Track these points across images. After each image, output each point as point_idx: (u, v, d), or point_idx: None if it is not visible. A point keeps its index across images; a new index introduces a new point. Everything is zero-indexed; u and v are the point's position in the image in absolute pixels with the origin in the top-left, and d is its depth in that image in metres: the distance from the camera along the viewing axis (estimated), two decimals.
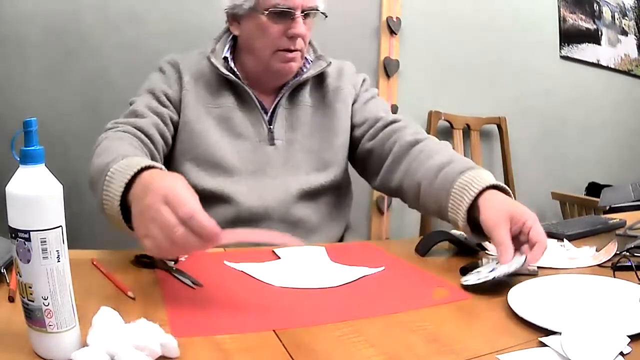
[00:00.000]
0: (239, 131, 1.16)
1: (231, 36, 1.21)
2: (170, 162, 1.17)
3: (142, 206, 0.70)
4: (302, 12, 1.10)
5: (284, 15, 1.09)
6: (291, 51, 1.12)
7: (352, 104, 1.24)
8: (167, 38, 1.87)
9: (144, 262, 0.87)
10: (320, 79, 1.24)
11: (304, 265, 0.90)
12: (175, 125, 1.15)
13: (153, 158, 1.04)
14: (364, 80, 1.29)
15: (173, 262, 0.86)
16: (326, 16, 1.16)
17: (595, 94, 2.82)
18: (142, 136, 1.05)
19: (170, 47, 1.85)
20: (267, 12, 1.08)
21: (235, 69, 1.18)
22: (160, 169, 0.80)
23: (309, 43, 1.25)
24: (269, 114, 1.19)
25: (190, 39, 1.87)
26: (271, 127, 1.18)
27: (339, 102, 1.22)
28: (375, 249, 1.05)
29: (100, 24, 1.82)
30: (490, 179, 0.92)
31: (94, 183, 0.87)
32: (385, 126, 1.19)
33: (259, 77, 1.18)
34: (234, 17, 1.16)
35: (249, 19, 1.13)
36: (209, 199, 1.12)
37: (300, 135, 1.19)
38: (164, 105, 1.13)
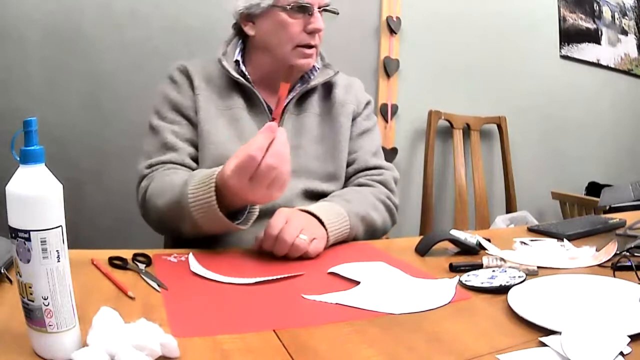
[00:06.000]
0: (246, 133, 1.16)
1: (241, 39, 1.23)
2: None
3: (253, 191, 0.89)
4: (318, 7, 1.14)
5: (303, 11, 1.13)
6: (310, 47, 1.15)
7: (352, 120, 1.27)
8: (168, 37, 1.88)
9: (115, 264, 0.85)
10: (328, 88, 1.27)
11: (389, 286, 0.82)
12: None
13: None
14: (368, 103, 1.32)
15: (144, 266, 0.85)
16: (337, 13, 1.19)
17: (595, 94, 2.82)
18: (182, 168, 1.12)
19: (171, 46, 1.86)
20: (288, 7, 1.12)
21: (246, 73, 1.19)
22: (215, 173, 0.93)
23: None
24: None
25: (192, 38, 1.88)
26: None
27: (343, 116, 1.25)
28: (375, 249, 1.05)
29: (101, 23, 1.82)
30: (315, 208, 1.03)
31: (172, 217, 0.99)
32: (363, 170, 1.25)
33: (272, 77, 1.19)
34: (248, 17, 1.18)
35: (266, 16, 1.15)
36: None
37: (306, 142, 1.21)
38: (187, 119, 1.16)
